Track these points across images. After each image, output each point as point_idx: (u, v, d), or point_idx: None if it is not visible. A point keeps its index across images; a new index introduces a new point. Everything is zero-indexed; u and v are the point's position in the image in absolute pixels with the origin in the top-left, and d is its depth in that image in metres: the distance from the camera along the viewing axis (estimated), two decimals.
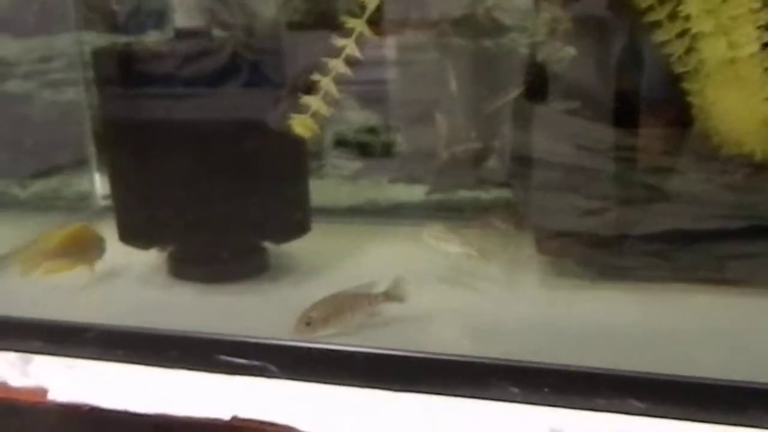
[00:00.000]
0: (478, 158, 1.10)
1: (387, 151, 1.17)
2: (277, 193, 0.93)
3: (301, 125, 0.71)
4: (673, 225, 0.85)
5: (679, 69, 0.78)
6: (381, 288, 0.82)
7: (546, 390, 0.68)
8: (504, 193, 1.10)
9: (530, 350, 0.72)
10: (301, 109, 0.72)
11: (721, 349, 0.75)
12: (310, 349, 0.75)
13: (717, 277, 0.85)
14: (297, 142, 0.92)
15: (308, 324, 0.77)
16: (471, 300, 0.88)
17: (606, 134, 0.86)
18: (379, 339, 0.78)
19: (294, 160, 0.96)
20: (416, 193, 1.14)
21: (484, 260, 0.92)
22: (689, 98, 0.80)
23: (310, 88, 0.78)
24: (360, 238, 1.09)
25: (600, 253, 0.88)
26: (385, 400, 0.70)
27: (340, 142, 1.16)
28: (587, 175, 0.86)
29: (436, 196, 1.12)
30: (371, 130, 1.15)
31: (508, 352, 0.71)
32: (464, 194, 1.12)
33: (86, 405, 0.73)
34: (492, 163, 1.10)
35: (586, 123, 0.87)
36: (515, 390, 0.68)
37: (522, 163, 0.91)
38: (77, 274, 0.95)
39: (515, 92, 1.02)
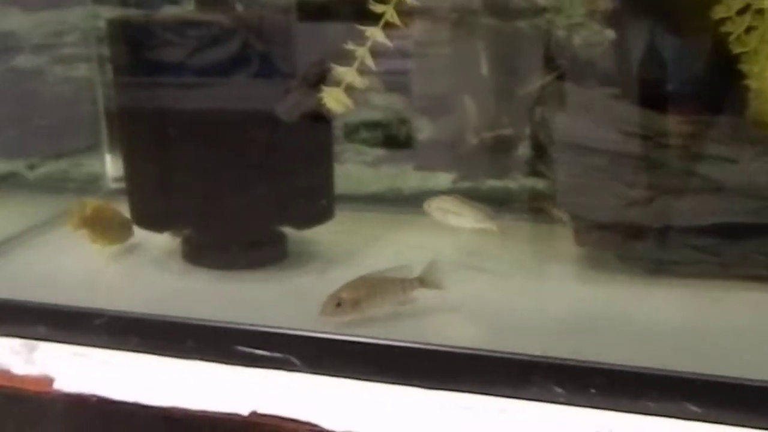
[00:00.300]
0: (509, 145, 1.05)
1: (411, 137, 1.12)
2: (300, 176, 0.88)
3: (333, 99, 0.66)
4: (722, 218, 0.80)
5: (737, 49, 0.73)
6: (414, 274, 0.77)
7: (592, 391, 0.63)
8: (535, 183, 1.05)
9: (571, 347, 0.67)
10: (334, 82, 0.67)
11: None
12: (335, 341, 0.70)
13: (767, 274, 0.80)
14: (322, 124, 0.89)
15: (339, 305, 0.72)
16: (504, 292, 0.84)
17: (653, 120, 0.81)
18: (406, 331, 0.74)
19: (318, 142, 0.91)
20: (442, 181, 1.09)
21: (504, 235, 0.85)
22: (746, 81, 0.74)
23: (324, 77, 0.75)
24: (383, 226, 1.04)
25: (643, 246, 0.83)
26: (416, 398, 0.66)
27: (363, 126, 1.11)
28: (632, 163, 0.81)
29: (464, 185, 1.07)
30: (398, 119, 1.10)
31: (548, 349, 0.67)
32: (493, 183, 1.07)
33: (94, 395, 0.69)
34: (522, 150, 1.05)
35: (632, 108, 0.82)
36: (559, 390, 0.64)
37: (561, 149, 0.85)
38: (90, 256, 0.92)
39: (550, 76, 0.98)
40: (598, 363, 0.64)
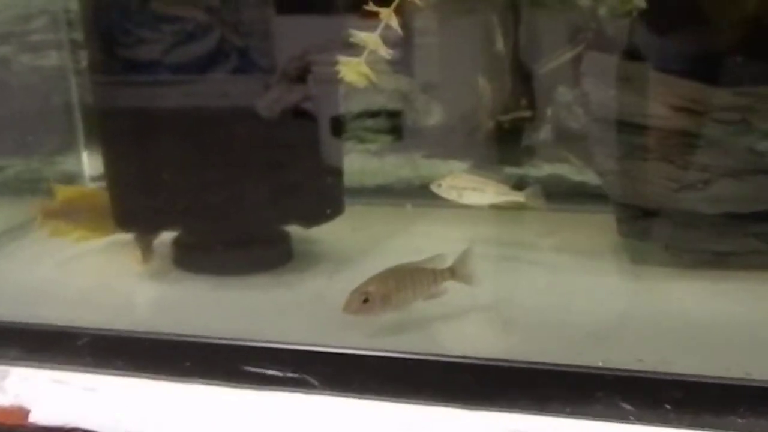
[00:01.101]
0: (529, 128, 0.97)
1: (420, 122, 1.04)
2: (306, 169, 0.81)
3: (353, 72, 0.56)
4: None
5: None
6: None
7: (667, 407, 0.56)
8: (557, 170, 0.97)
9: (634, 356, 0.60)
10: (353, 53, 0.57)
11: None
12: (358, 356, 0.63)
13: None
14: (329, 110, 0.81)
15: (366, 301, 0.66)
16: (545, 292, 0.76)
17: (704, 93, 0.73)
18: (437, 338, 0.67)
19: (326, 130, 0.84)
20: (455, 169, 1.01)
21: (536, 207, 0.78)
22: None
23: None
24: (394, 220, 0.98)
25: (695, 235, 0.74)
26: (458, 420, 0.58)
27: (368, 113, 1.03)
28: (684, 142, 0.72)
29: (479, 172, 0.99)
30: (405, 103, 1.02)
31: (609, 359, 0.59)
32: (511, 170, 0.99)
33: (77, 428, 0.64)
34: (544, 134, 0.97)
35: (679, 80, 0.74)
36: (627, 407, 0.56)
37: (600, 127, 0.77)
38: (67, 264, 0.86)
39: (574, 51, 0.90)
40: (673, 374, 0.57)
